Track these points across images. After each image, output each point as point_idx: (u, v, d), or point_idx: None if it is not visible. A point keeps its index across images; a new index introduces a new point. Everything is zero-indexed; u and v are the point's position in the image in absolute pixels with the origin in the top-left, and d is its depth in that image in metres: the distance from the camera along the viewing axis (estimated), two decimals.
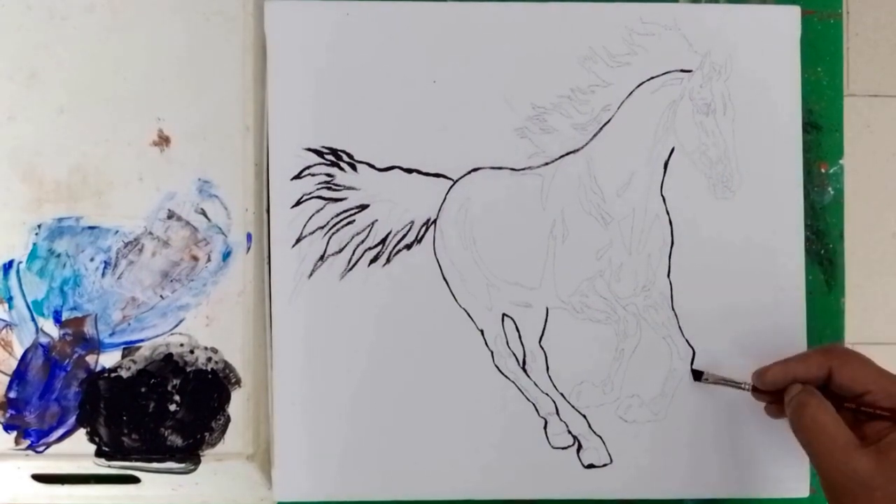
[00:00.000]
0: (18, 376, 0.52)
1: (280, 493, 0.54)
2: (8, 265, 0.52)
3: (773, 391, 0.51)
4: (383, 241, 0.54)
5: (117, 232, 0.53)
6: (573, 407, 0.55)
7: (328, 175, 0.54)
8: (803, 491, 0.55)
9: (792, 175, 0.56)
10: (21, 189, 0.53)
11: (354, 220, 0.54)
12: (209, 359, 0.52)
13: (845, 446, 0.44)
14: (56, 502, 0.54)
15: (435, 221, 0.55)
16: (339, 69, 0.55)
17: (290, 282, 0.54)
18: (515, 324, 0.55)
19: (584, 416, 0.55)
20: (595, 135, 0.55)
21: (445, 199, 0.55)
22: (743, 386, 0.52)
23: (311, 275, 0.54)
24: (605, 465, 0.55)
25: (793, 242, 0.55)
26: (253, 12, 0.54)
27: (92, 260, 0.52)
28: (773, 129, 0.55)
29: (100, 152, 0.53)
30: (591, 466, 0.55)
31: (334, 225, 0.54)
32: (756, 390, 0.52)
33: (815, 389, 0.48)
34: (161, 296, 0.53)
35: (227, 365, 0.52)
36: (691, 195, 0.55)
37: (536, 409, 0.54)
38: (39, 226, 0.52)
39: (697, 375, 0.54)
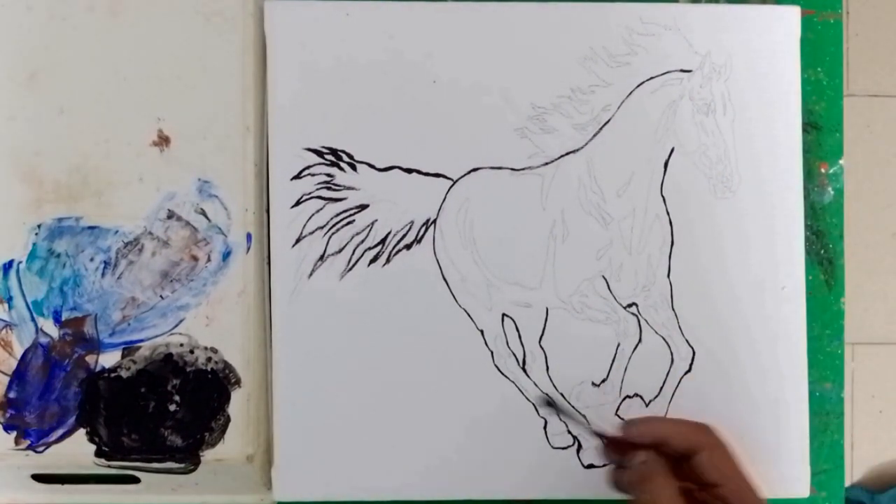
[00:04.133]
0: (18, 376, 0.52)
1: (280, 493, 0.54)
2: (8, 265, 0.52)
3: (617, 452, 0.49)
4: (383, 241, 0.54)
5: (117, 232, 0.53)
6: (573, 407, 0.55)
7: (328, 175, 0.54)
8: (803, 491, 0.55)
9: (792, 175, 0.56)
10: (21, 189, 0.53)
11: (354, 220, 0.54)
12: (209, 359, 0.52)
13: None
14: (56, 502, 0.54)
15: (435, 221, 0.55)
16: (339, 69, 0.55)
17: (290, 282, 0.54)
18: (515, 324, 0.55)
19: (585, 417, 0.55)
20: (595, 135, 0.55)
21: (445, 199, 0.55)
22: (588, 426, 0.52)
23: (311, 275, 0.54)
24: (605, 465, 0.55)
25: (793, 242, 0.55)
26: (253, 12, 0.54)
27: (92, 260, 0.52)
28: (773, 129, 0.55)
29: (100, 152, 0.53)
30: (591, 466, 0.55)
31: (334, 225, 0.54)
32: (603, 439, 0.50)
33: (664, 464, 0.46)
34: (161, 296, 0.53)
35: (227, 365, 0.52)
36: (691, 195, 0.55)
37: (536, 410, 0.54)
38: (39, 226, 0.52)
39: (547, 402, 0.53)
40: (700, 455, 0.47)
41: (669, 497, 0.45)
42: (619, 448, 0.49)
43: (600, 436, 0.50)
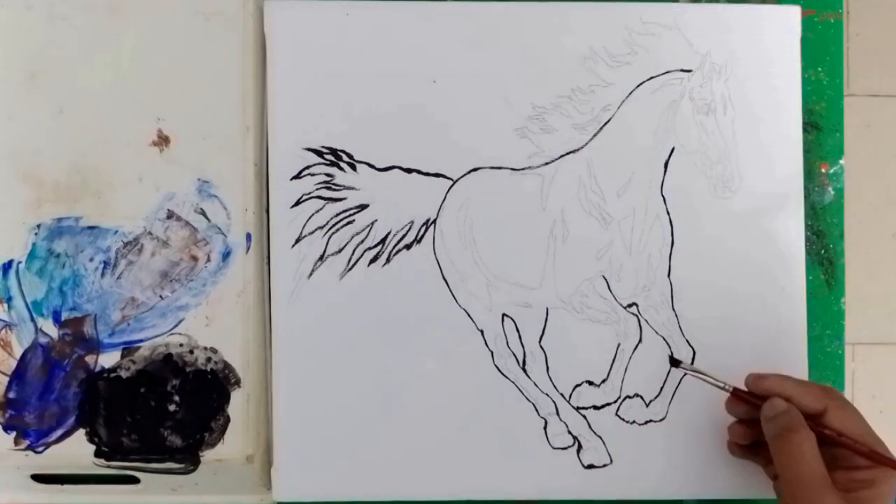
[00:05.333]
0: (18, 376, 0.52)
1: (280, 494, 0.54)
2: (7, 265, 0.52)
3: (750, 402, 0.49)
4: (383, 241, 0.54)
5: (117, 232, 0.53)
6: (573, 407, 0.55)
7: (328, 175, 0.54)
8: None
9: (792, 175, 0.56)
10: (21, 189, 0.52)
11: (354, 220, 0.54)
12: (209, 359, 0.52)
13: (822, 483, 0.44)
14: (55, 502, 0.54)
15: (435, 221, 0.55)
16: (339, 69, 0.55)
17: (289, 282, 0.54)
18: (515, 324, 0.55)
19: (584, 417, 0.55)
20: (595, 135, 0.55)
21: (445, 199, 0.55)
22: (724, 386, 0.50)
23: (310, 275, 0.54)
24: (605, 465, 0.54)
25: (793, 242, 0.55)
26: (253, 12, 0.54)
27: (91, 260, 0.52)
28: (773, 129, 0.55)
29: (99, 152, 0.53)
30: (591, 466, 0.55)
31: (334, 225, 0.54)
32: (737, 396, 0.50)
33: (801, 416, 0.47)
34: (160, 296, 0.52)
35: (226, 365, 0.52)
36: (691, 195, 0.55)
37: (536, 409, 0.54)
38: (39, 226, 0.52)
39: (675, 363, 0.53)
40: (830, 413, 0.47)
41: (811, 448, 0.45)
42: (744, 402, 0.50)
43: (727, 389, 0.50)
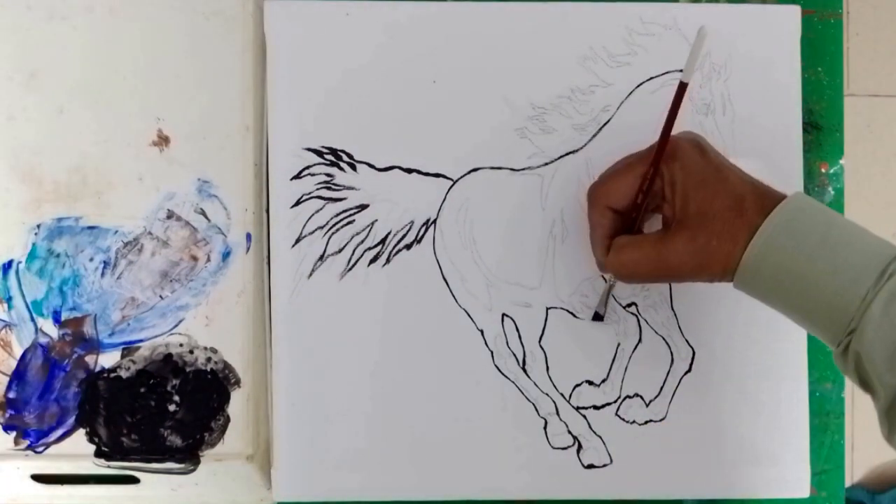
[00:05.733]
0: (18, 376, 0.52)
1: (279, 494, 0.54)
2: (7, 265, 0.52)
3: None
4: (383, 241, 0.54)
5: (117, 232, 0.53)
6: (573, 407, 0.55)
7: (328, 175, 0.54)
8: (803, 491, 0.55)
9: (792, 175, 0.56)
10: (20, 189, 0.53)
11: (354, 220, 0.54)
12: (209, 359, 0.52)
13: (657, 250, 0.45)
14: (55, 502, 0.54)
15: (435, 221, 0.55)
16: (339, 69, 0.55)
17: (289, 282, 0.54)
18: (515, 324, 0.55)
19: (584, 416, 0.55)
20: (595, 135, 0.55)
21: (445, 199, 0.55)
22: (607, 280, 0.53)
23: (310, 275, 0.54)
24: (605, 465, 0.54)
25: None
26: (253, 12, 0.54)
27: (91, 260, 0.52)
28: (773, 129, 0.55)
29: (99, 152, 0.53)
30: (591, 466, 0.55)
31: (334, 225, 0.54)
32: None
33: (606, 242, 0.47)
34: (160, 296, 0.52)
35: (226, 365, 0.52)
36: None
37: (536, 409, 0.54)
38: (39, 226, 0.52)
39: (597, 316, 0.54)
40: (613, 205, 0.47)
41: (622, 251, 0.46)
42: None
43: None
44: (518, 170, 0.55)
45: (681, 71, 0.55)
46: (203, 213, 0.53)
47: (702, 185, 0.44)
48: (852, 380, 0.43)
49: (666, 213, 0.46)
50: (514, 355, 0.55)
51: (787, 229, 0.42)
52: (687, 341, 0.55)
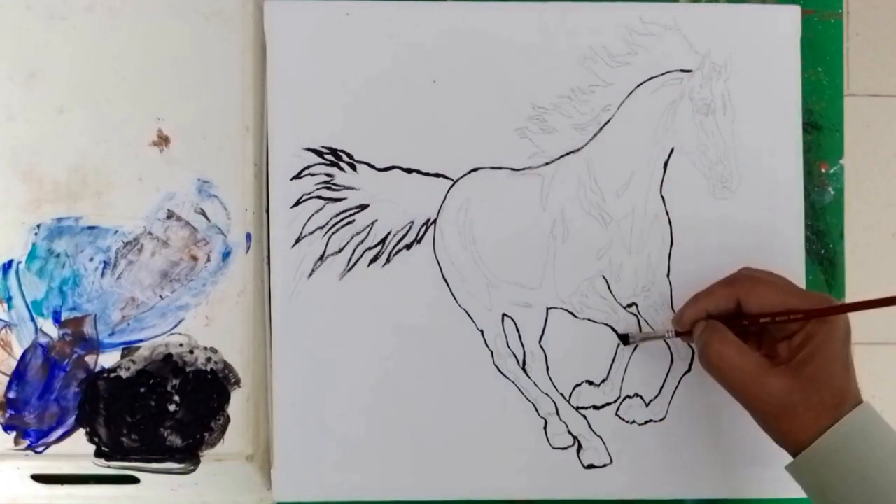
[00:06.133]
0: (18, 376, 0.52)
1: (280, 494, 0.54)
2: (7, 265, 0.52)
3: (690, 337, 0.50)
4: (383, 241, 0.54)
5: (117, 232, 0.53)
6: (573, 407, 0.55)
7: (328, 175, 0.54)
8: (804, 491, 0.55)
9: (792, 175, 0.56)
10: (20, 189, 0.52)
11: (354, 220, 0.54)
12: (209, 359, 0.52)
13: (756, 373, 0.45)
14: (55, 502, 0.54)
15: (435, 221, 0.55)
16: (339, 69, 0.55)
17: (289, 282, 0.54)
18: (515, 324, 0.55)
19: (584, 416, 0.55)
20: (595, 135, 0.55)
21: (445, 199, 0.55)
22: (667, 334, 0.52)
23: (310, 275, 0.54)
24: (605, 465, 0.54)
25: (793, 242, 0.55)
26: (253, 12, 0.54)
27: (91, 260, 0.52)
28: (773, 129, 0.55)
29: (99, 152, 0.53)
30: (591, 466, 0.55)
31: (334, 225, 0.54)
32: (679, 335, 0.51)
33: (717, 324, 0.47)
34: (160, 296, 0.52)
35: (226, 365, 0.52)
36: (691, 195, 0.55)
37: (536, 409, 0.54)
38: (39, 226, 0.52)
39: (625, 339, 0.54)
40: (745, 302, 0.47)
41: (730, 349, 0.46)
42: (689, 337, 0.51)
43: (670, 335, 0.52)
44: (518, 169, 0.55)
45: (681, 71, 0.55)
46: (203, 213, 0.53)
47: (832, 361, 0.45)
48: None
49: (780, 350, 0.47)
50: (514, 355, 0.55)
51: (862, 433, 0.44)
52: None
